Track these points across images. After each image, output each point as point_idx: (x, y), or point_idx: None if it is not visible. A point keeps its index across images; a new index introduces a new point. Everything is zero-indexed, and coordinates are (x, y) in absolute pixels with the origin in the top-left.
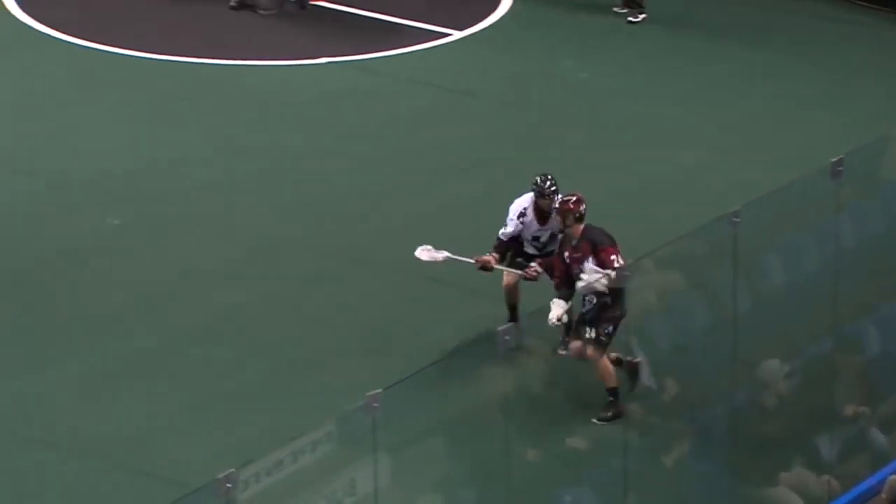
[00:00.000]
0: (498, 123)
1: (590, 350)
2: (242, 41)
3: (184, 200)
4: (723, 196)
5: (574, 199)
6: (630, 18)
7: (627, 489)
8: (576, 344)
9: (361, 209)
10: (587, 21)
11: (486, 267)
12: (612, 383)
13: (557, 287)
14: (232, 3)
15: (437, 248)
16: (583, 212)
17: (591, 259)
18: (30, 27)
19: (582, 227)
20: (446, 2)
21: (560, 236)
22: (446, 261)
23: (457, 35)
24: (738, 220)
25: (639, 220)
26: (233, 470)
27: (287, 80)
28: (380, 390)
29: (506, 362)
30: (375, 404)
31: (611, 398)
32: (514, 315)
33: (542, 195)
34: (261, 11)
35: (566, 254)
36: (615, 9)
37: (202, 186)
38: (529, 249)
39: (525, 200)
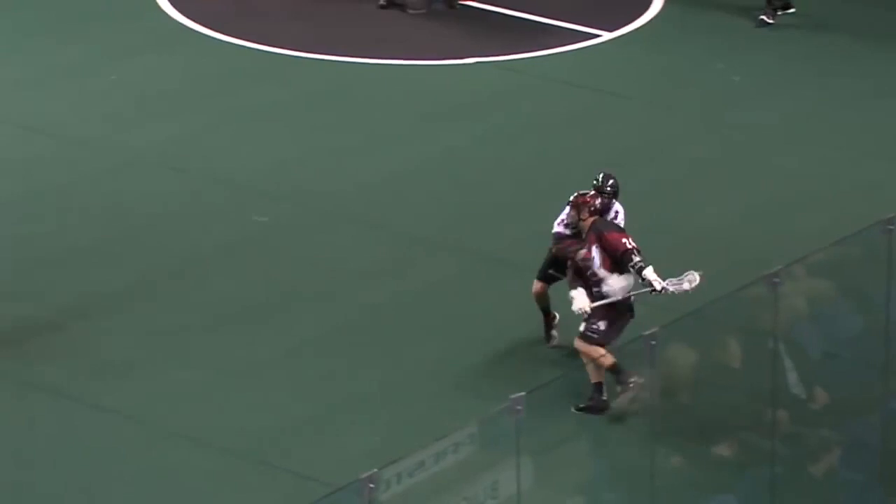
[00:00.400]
0: (647, 125)
1: (576, 342)
2: (390, 40)
3: (330, 199)
4: (871, 202)
5: (591, 192)
6: (763, 17)
7: (774, 499)
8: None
9: (507, 211)
10: (739, 23)
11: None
12: (596, 378)
13: (571, 281)
14: (381, 2)
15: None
16: (598, 206)
17: (595, 247)
18: (182, 24)
19: (592, 220)
20: (596, 2)
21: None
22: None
23: (607, 36)
24: (892, 227)
25: (789, 225)
26: (375, 470)
27: (434, 80)
28: (523, 393)
29: (651, 367)
30: (518, 407)
31: (596, 393)
32: (547, 318)
33: (600, 194)
34: (409, 10)
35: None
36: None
37: (349, 186)
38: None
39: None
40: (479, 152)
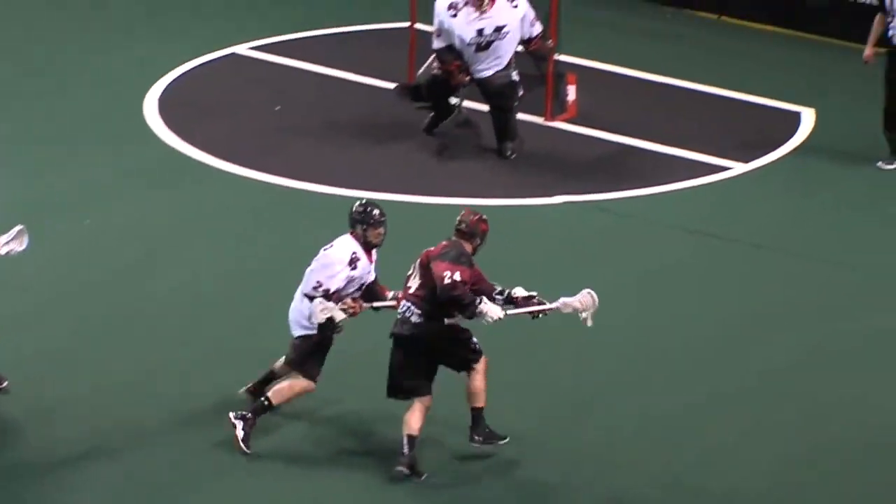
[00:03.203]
0: (786, 278)
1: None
2: (455, 175)
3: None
4: None
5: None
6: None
7: None
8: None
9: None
10: None
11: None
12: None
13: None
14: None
15: None
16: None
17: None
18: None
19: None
20: (732, 126)
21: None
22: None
23: (739, 169)
24: None
25: None
26: None
27: (510, 224)
28: None
29: None
30: None
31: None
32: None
33: (373, 224)
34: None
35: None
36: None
37: None
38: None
39: (350, 244)
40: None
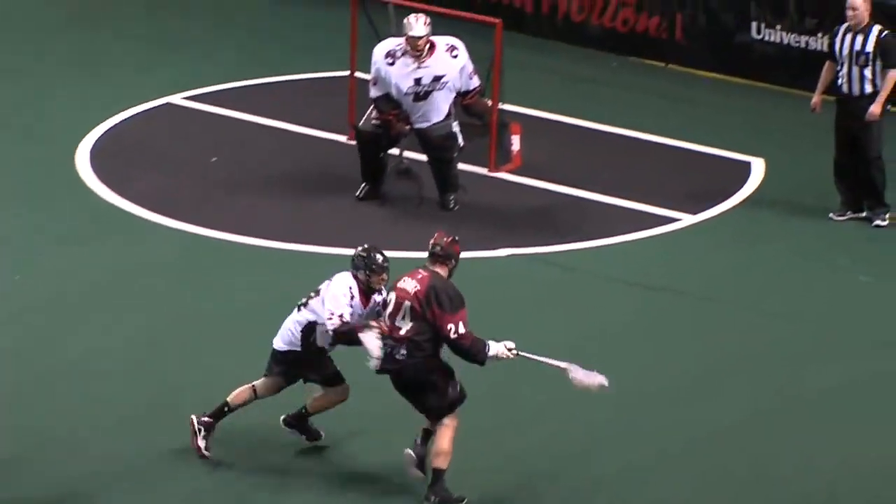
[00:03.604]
0: (736, 331)
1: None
2: (396, 227)
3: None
4: None
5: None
6: (878, 222)
7: None
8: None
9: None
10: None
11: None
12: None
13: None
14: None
15: None
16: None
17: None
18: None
19: (437, 270)
20: (681, 176)
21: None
22: None
23: (687, 220)
24: None
25: None
26: None
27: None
28: None
29: None
30: None
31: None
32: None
33: (375, 270)
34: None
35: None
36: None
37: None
38: None
39: (348, 280)
40: (525, 377)
